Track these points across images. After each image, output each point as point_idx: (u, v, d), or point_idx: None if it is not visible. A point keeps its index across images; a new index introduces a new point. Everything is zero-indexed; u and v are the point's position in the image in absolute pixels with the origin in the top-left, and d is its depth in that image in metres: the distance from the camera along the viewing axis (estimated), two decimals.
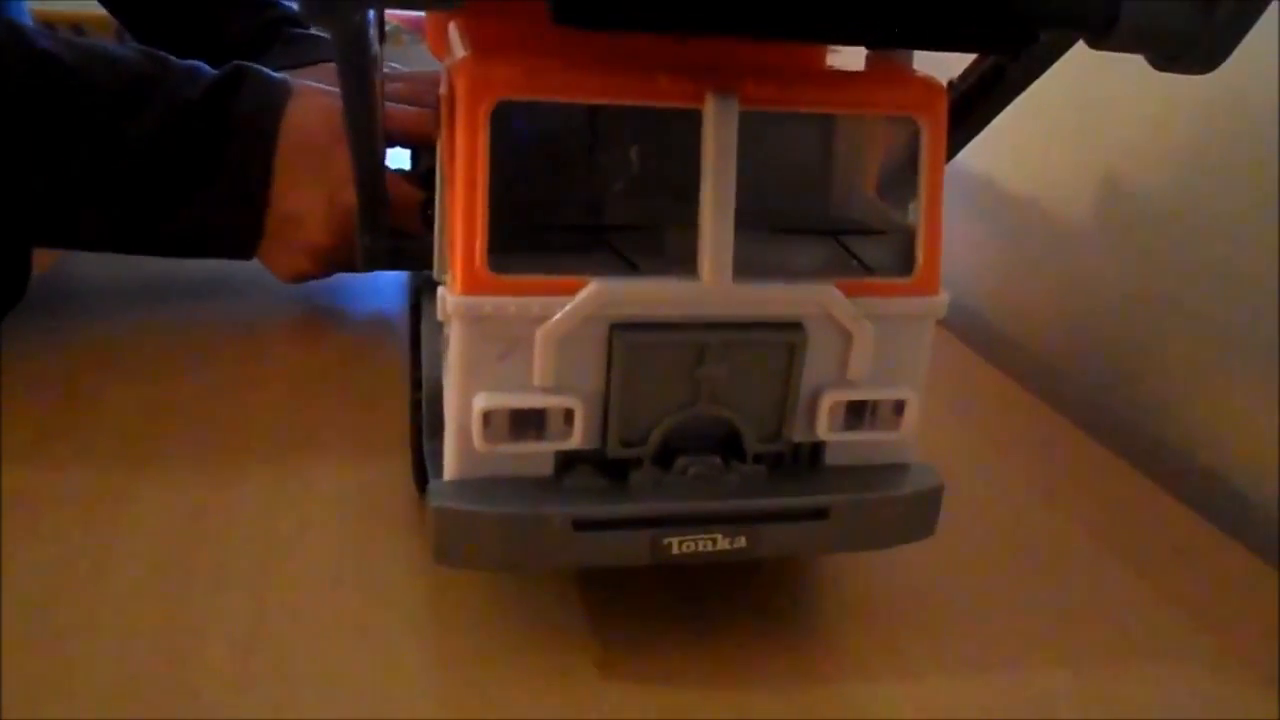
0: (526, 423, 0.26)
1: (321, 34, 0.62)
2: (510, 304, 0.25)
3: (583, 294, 0.25)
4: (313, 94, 0.49)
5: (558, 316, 0.25)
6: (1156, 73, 0.24)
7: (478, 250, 0.25)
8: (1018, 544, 0.37)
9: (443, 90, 0.27)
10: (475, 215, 0.25)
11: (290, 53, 0.60)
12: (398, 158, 0.54)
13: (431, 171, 0.33)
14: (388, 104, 0.51)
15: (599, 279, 0.25)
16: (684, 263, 0.26)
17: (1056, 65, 0.29)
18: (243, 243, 0.50)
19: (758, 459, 0.28)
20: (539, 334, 0.25)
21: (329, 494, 0.37)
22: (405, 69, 0.60)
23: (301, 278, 0.52)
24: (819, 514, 0.28)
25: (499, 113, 0.24)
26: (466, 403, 0.26)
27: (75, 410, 0.42)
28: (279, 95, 0.49)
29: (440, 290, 0.26)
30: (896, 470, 0.29)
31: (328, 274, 0.53)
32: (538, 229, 0.26)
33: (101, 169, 0.46)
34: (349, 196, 0.48)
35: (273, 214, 0.49)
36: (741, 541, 0.27)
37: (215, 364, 0.47)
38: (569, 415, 0.26)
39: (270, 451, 0.39)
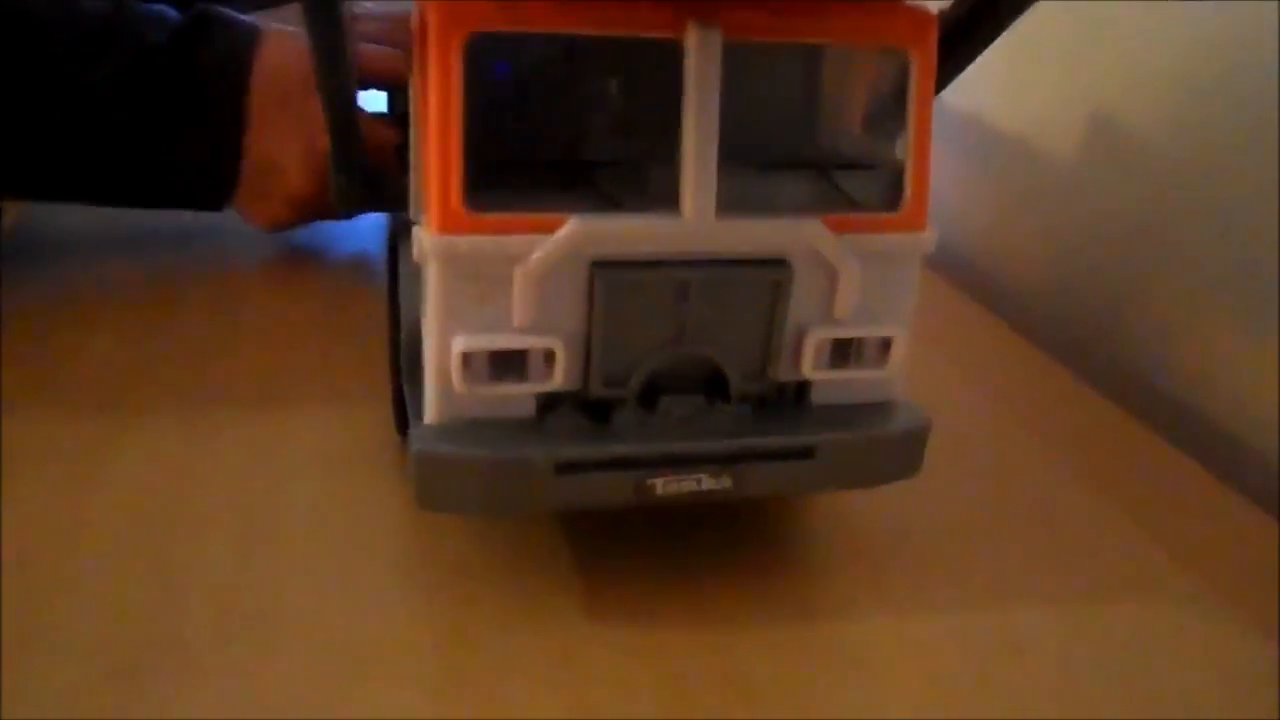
0: (507, 364, 0.26)
1: None
2: (488, 243, 0.24)
3: (562, 232, 0.24)
4: (284, 38, 0.48)
5: (537, 255, 0.25)
6: (1149, 5, 0.23)
7: (454, 189, 0.24)
8: (1005, 484, 0.37)
9: (414, 23, 0.26)
10: (450, 153, 0.24)
11: None
12: (374, 101, 0.53)
13: (408, 113, 0.32)
14: (360, 44, 0.50)
15: (579, 216, 0.24)
16: (667, 199, 0.25)
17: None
18: (216, 193, 0.49)
19: (743, 398, 0.28)
20: (517, 273, 0.25)
21: (311, 441, 0.36)
22: (378, 8, 0.58)
23: (281, 227, 0.52)
24: (805, 453, 0.27)
25: (472, 46, 0.23)
26: (445, 344, 0.25)
27: (52, 364, 0.41)
28: (248, 40, 0.47)
29: (416, 230, 0.25)
30: (883, 409, 0.29)
31: (308, 222, 0.52)
32: (516, 165, 0.26)
33: (64, 117, 0.45)
34: (326, 142, 0.47)
35: (249, 163, 0.48)
36: (726, 481, 0.27)
37: (194, 313, 0.46)
38: (550, 356, 0.26)
39: (252, 399, 0.39)
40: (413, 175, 0.30)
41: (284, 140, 0.48)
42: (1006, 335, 0.50)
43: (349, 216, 0.35)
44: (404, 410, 0.32)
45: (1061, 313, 0.53)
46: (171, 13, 0.47)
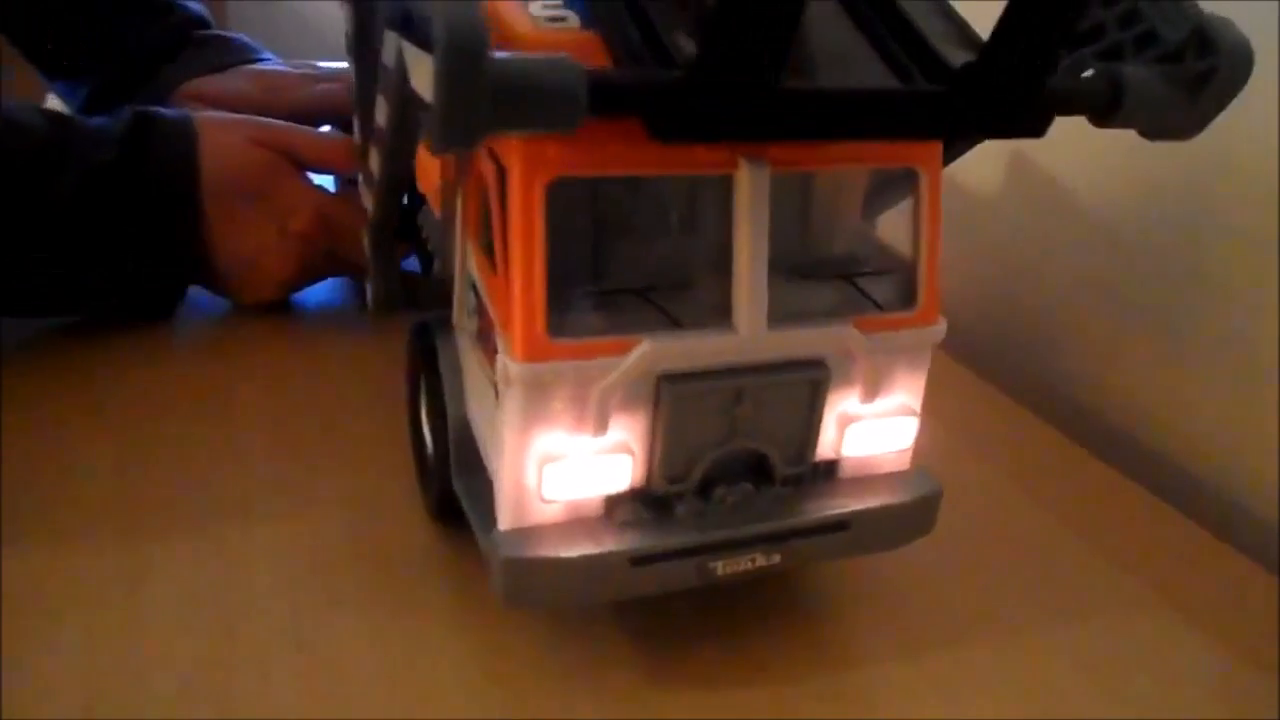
0: (581, 472, 0.28)
1: (230, 35, 0.60)
2: (568, 368, 0.27)
3: (636, 353, 0.27)
4: (223, 131, 0.48)
5: (614, 376, 0.27)
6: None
7: (538, 320, 0.26)
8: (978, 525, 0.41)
9: (483, 165, 0.28)
10: (534, 287, 0.26)
11: (202, 56, 0.58)
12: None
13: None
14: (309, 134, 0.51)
15: (651, 338, 0.27)
16: (718, 311, 0.28)
17: None
18: (173, 296, 0.51)
19: (783, 481, 0.31)
20: (595, 392, 0.27)
21: (344, 547, 0.36)
22: (330, 67, 0.59)
23: (273, 302, 0.52)
24: (841, 525, 0.31)
25: (553, 188, 0.26)
26: (525, 459, 0.28)
27: (51, 485, 0.38)
28: (188, 138, 0.47)
29: (499, 358, 0.27)
30: (901, 478, 0.32)
31: (296, 291, 0.52)
32: (585, 289, 0.28)
33: (23, 238, 0.44)
34: (298, 223, 0.48)
35: (223, 261, 0.49)
36: (776, 558, 0.30)
37: (187, 409, 0.44)
38: (622, 463, 0.28)
39: (271, 508, 0.38)
40: (457, 285, 0.32)
41: (253, 234, 0.48)
42: (976, 383, 0.52)
43: (381, 315, 0.36)
44: (446, 499, 0.33)
45: (1006, 348, 0.58)
46: (110, 125, 0.46)
